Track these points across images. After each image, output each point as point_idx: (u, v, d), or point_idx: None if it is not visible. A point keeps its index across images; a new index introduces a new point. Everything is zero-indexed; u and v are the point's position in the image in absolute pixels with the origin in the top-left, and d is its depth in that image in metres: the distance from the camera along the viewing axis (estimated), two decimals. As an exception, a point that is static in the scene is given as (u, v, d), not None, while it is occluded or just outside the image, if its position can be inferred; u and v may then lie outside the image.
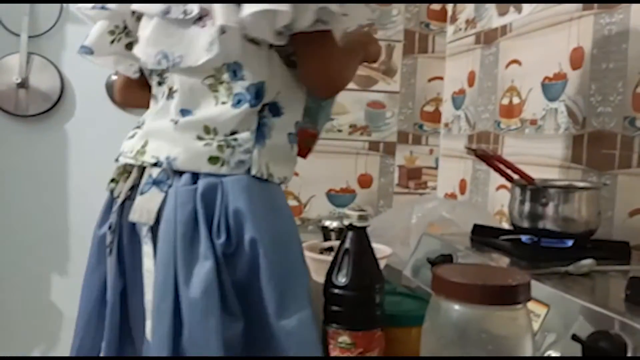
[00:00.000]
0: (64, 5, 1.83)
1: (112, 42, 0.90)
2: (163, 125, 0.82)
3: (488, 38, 1.78)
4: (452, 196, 1.98)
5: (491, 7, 1.77)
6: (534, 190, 1.08)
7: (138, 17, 0.88)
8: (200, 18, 0.78)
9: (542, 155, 1.48)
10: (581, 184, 1.15)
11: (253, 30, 0.77)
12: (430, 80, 2.11)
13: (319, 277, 1.07)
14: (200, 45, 0.78)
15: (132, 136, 0.87)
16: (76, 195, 1.90)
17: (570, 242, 1.07)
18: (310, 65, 0.83)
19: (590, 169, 1.30)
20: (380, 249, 1.43)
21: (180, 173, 0.79)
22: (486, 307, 0.55)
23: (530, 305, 0.81)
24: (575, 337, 0.68)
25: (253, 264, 0.76)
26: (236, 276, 0.76)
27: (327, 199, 2.07)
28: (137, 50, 0.85)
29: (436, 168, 2.13)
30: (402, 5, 2.07)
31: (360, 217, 0.76)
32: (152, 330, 0.76)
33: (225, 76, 0.80)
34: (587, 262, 0.91)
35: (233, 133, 0.80)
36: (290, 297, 0.75)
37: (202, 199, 0.76)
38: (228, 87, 0.80)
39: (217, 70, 0.80)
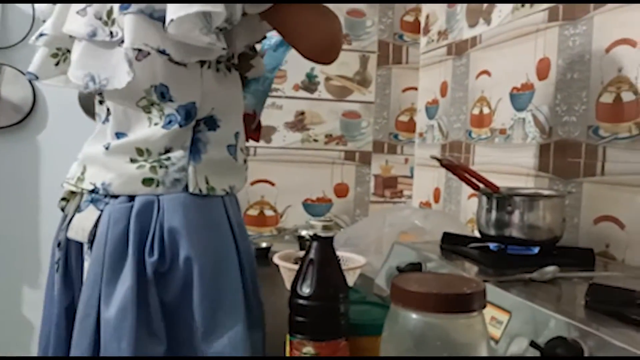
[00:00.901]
0: (35, 16, 1.82)
1: (57, 63, 0.90)
2: (98, 150, 0.82)
3: (459, 49, 1.81)
4: (427, 204, 2.00)
5: (462, 19, 1.80)
6: (499, 199, 1.09)
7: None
8: (124, 40, 0.77)
9: (511, 164, 1.50)
10: (546, 192, 1.17)
11: (184, 37, 0.75)
12: (404, 90, 2.14)
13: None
14: (124, 68, 0.77)
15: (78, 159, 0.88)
16: (48, 206, 1.87)
17: (536, 249, 1.09)
18: (296, 38, 0.84)
19: (556, 177, 1.32)
20: (354, 259, 1.44)
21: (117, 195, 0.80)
22: (442, 315, 0.55)
23: (494, 312, 0.83)
24: (533, 344, 0.69)
25: (186, 282, 0.76)
26: (167, 295, 0.76)
27: (304, 208, 2.07)
28: (69, 72, 0.84)
29: (411, 177, 2.15)
30: (376, 17, 2.10)
31: (325, 227, 0.76)
32: (73, 346, 0.76)
33: (155, 98, 0.80)
34: (551, 269, 0.93)
35: (167, 151, 0.80)
36: (222, 316, 0.76)
37: (137, 216, 0.76)
38: (160, 109, 0.80)
39: (147, 92, 0.80)
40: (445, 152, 1.88)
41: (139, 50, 0.78)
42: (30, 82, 1.83)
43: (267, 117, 1.99)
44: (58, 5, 0.87)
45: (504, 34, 1.56)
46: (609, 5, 1.18)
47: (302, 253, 1.49)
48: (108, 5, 0.80)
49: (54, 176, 1.88)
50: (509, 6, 1.54)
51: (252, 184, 2.02)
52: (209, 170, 0.81)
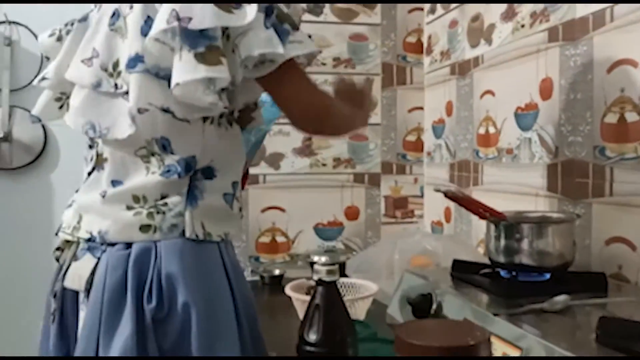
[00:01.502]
0: (44, 57, 1.85)
1: (61, 107, 0.92)
2: (93, 198, 0.83)
3: (462, 69, 1.82)
4: (439, 224, 1.99)
5: (463, 39, 1.81)
6: (507, 226, 1.09)
7: None
8: (127, 92, 0.79)
9: (520, 184, 1.49)
10: (555, 216, 1.17)
11: (188, 99, 0.76)
12: (410, 110, 2.14)
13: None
14: (127, 120, 0.79)
15: (71, 204, 0.88)
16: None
17: (547, 276, 1.08)
18: (283, 103, 0.85)
19: (565, 198, 1.31)
20: (366, 286, 1.44)
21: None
22: (447, 367, 0.56)
23: (505, 348, 0.82)
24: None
25: (184, 328, 0.77)
26: (165, 342, 0.77)
27: (315, 233, 2.08)
28: (67, 117, 0.86)
29: (422, 196, 2.14)
30: (378, 39, 2.11)
31: (329, 272, 0.77)
32: None
33: (156, 148, 0.81)
34: (562, 299, 0.92)
35: (163, 198, 0.81)
36: None
37: (134, 263, 0.77)
38: (160, 159, 0.81)
39: (147, 143, 0.81)
40: (454, 171, 1.88)
41: None
42: (40, 122, 1.86)
43: (274, 144, 2.00)
44: (63, 48, 0.89)
45: (505, 54, 1.56)
46: (608, 26, 1.18)
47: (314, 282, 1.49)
48: (115, 57, 0.81)
49: (67, 214, 1.92)
50: (509, 27, 1.54)
51: (263, 211, 2.03)
52: (205, 216, 0.82)
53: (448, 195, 1.10)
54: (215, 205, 0.84)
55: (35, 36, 1.85)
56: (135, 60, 0.77)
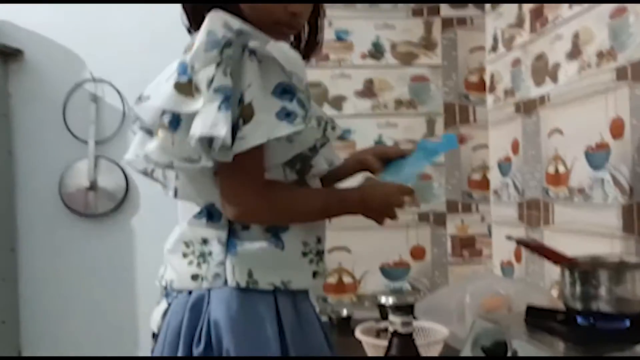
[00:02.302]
0: (126, 111, 2.00)
1: None
2: (166, 248, 0.94)
3: (527, 107, 1.81)
4: (509, 264, 1.96)
5: (527, 78, 1.80)
6: (583, 272, 1.07)
7: None
8: None
9: (594, 224, 1.46)
10: (633, 261, 1.13)
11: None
12: (475, 148, 2.14)
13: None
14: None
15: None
16: (144, 288, 2.00)
17: (627, 323, 1.05)
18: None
19: (643, 240, 1.27)
20: (437, 330, 1.44)
21: None
22: None
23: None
24: None
25: None
26: None
27: (382, 273, 2.09)
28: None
29: (490, 235, 2.11)
30: (440, 80, 2.13)
31: (405, 324, 0.79)
32: None
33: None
34: (644, 349, 0.89)
35: (205, 242, 0.87)
36: None
37: (190, 309, 0.84)
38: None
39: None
40: (523, 210, 1.85)
41: None
42: (123, 171, 1.99)
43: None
44: None
45: (572, 92, 1.55)
46: (680, 65, 1.16)
47: (384, 324, 1.50)
48: None
49: (149, 259, 2.02)
50: (574, 66, 1.53)
51: (329, 251, 2.06)
52: (251, 262, 0.85)
53: (520, 242, 1.10)
54: (258, 249, 0.85)
55: (119, 92, 2.00)
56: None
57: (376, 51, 2.13)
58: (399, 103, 2.12)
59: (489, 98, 2.11)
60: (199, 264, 0.86)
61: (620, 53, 1.35)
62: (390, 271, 2.09)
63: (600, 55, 1.43)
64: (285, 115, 0.78)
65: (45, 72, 1.98)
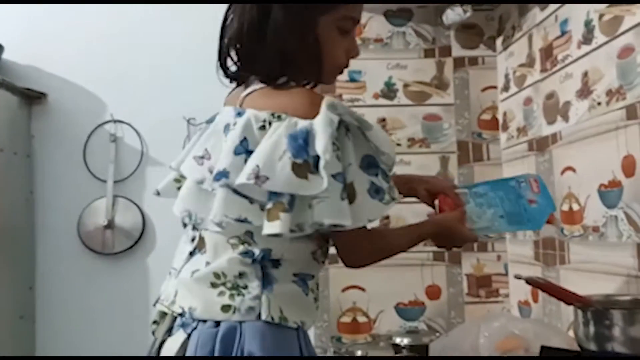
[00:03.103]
0: (144, 151, 2.05)
1: (179, 188, 1.02)
2: (187, 275, 0.92)
3: (540, 145, 1.81)
4: (526, 304, 1.93)
5: (540, 116, 1.81)
6: (595, 312, 1.06)
7: None
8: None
9: (610, 263, 1.44)
10: (648, 301, 1.11)
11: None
12: (489, 186, 2.13)
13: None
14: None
15: (169, 279, 0.98)
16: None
17: (643, 365, 1.03)
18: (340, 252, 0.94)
19: (659, 280, 1.25)
20: (451, 372, 1.41)
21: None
22: None
23: None
24: None
25: None
26: None
27: (396, 313, 2.06)
28: (175, 203, 0.98)
29: (506, 274, 2.08)
30: (452, 118, 2.15)
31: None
32: None
33: (252, 239, 0.89)
34: (660, 393, 0.87)
35: (241, 275, 0.88)
36: None
37: (221, 341, 0.84)
38: (247, 246, 0.89)
39: (243, 234, 0.89)
40: (539, 249, 1.83)
41: None
42: (140, 210, 2.03)
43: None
44: (190, 143, 1.01)
45: (583, 131, 1.55)
46: (689, 104, 1.16)
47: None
48: (221, 167, 0.89)
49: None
50: (585, 104, 1.54)
51: (344, 290, 2.05)
52: (281, 300, 0.88)
53: (530, 282, 1.09)
54: (289, 290, 0.90)
55: (137, 133, 2.06)
56: (221, 175, 0.86)
57: (389, 91, 2.16)
58: (412, 141, 2.14)
59: (502, 136, 2.12)
60: (232, 296, 0.87)
61: (629, 92, 1.36)
62: (406, 310, 2.06)
63: (610, 93, 1.43)
64: (375, 191, 0.86)
65: (67, 114, 2.06)
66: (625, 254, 1.37)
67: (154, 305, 0.98)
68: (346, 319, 2.05)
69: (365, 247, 0.93)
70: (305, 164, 0.82)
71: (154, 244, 2.05)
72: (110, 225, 2.00)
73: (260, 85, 0.94)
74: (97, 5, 2.08)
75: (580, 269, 1.58)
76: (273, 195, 0.83)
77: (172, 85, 2.03)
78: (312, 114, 0.85)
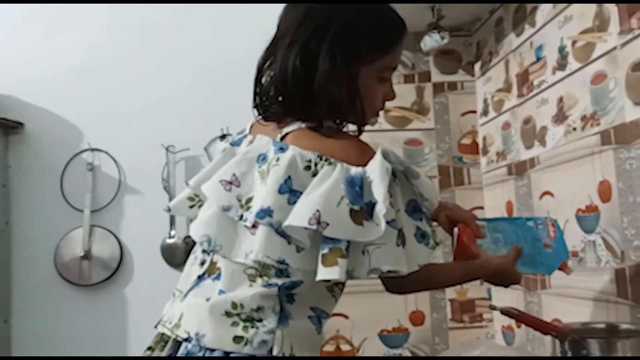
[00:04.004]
0: (122, 179, 2.03)
1: (191, 207, 1.01)
2: (199, 301, 0.89)
3: (519, 170, 1.82)
4: (509, 329, 1.91)
5: (518, 141, 1.82)
6: (572, 342, 1.04)
7: None
8: (253, 226, 0.86)
9: (589, 288, 1.43)
10: (624, 327, 1.10)
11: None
12: (471, 210, 2.12)
13: None
14: (242, 247, 0.87)
15: (174, 301, 0.95)
16: (136, 354, 1.97)
17: (622, 396, 1.01)
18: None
19: (637, 305, 1.24)
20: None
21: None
22: None
23: None
24: None
25: None
26: None
27: (380, 340, 2.03)
28: (192, 226, 0.94)
29: (489, 299, 2.07)
30: (433, 143, 2.16)
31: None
32: None
33: (272, 272, 0.86)
34: None
35: (259, 309, 0.86)
36: None
37: None
38: (266, 280, 0.87)
39: (259, 265, 0.86)
40: (520, 273, 1.82)
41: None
42: (117, 240, 2.00)
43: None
44: (211, 163, 0.98)
45: (560, 156, 1.56)
46: (660, 130, 1.17)
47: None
48: (250, 194, 0.89)
49: (142, 328, 1.99)
50: (561, 130, 1.55)
51: (327, 318, 2.02)
52: (295, 337, 0.87)
53: (504, 312, 1.08)
54: (304, 327, 0.89)
55: (115, 161, 2.04)
56: (265, 213, 0.84)
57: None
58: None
59: (483, 160, 2.13)
60: (245, 328, 0.85)
61: (602, 117, 1.37)
62: (389, 337, 2.04)
63: (585, 119, 1.44)
64: (421, 236, 0.88)
65: (44, 143, 2.04)
66: (605, 279, 1.37)
67: (155, 327, 0.95)
68: (329, 348, 2.01)
69: (414, 284, 0.95)
70: (361, 210, 0.82)
71: (131, 275, 2.02)
72: (87, 255, 1.96)
73: (301, 124, 0.92)
74: (73, 34, 2.08)
75: (562, 294, 1.57)
76: (329, 240, 0.81)
77: (151, 113, 2.02)
78: (362, 161, 0.85)
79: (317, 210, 0.80)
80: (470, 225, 1.16)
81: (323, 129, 0.90)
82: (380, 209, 0.82)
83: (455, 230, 1.16)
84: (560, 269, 1.09)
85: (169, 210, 1.04)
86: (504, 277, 1.10)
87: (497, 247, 1.12)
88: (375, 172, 0.84)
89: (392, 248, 0.83)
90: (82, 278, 1.97)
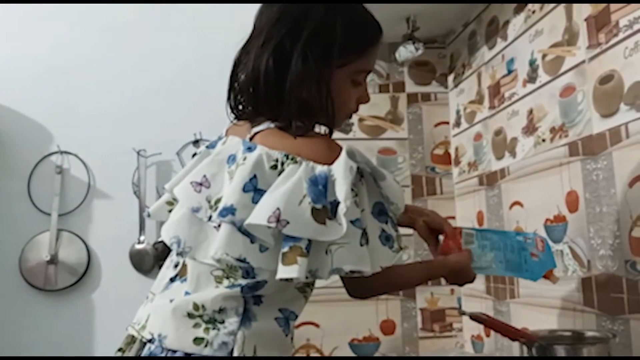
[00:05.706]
0: (91, 183, 1.99)
1: (170, 210, 0.99)
2: (164, 302, 0.89)
3: (490, 180, 1.84)
4: (478, 338, 1.92)
5: (489, 151, 1.85)
6: (540, 348, 1.06)
7: None
8: (219, 225, 0.85)
9: (557, 297, 1.45)
10: (590, 335, 1.12)
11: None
12: (442, 220, 2.14)
13: None
14: (210, 247, 0.85)
15: (146, 303, 0.95)
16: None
17: (587, 402, 1.03)
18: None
19: (602, 314, 1.27)
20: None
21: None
22: None
23: None
24: None
25: None
26: None
27: (351, 349, 2.03)
28: (163, 227, 0.94)
29: (460, 308, 2.09)
30: (407, 153, 2.17)
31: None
32: None
33: (238, 274, 0.85)
34: None
35: (221, 310, 0.85)
36: None
37: None
38: (232, 281, 0.86)
39: (229, 268, 0.85)
40: (490, 282, 1.84)
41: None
42: (85, 244, 1.96)
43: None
44: (187, 166, 0.97)
45: (529, 166, 1.59)
46: (625, 142, 1.20)
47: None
48: (219, 195, 0.87)
49: (108, 334, 1.95)
50: (530, 141, 1.58)
51: (297, 327, 2.00)
52: (259, 339, 0.85)
53: (474, 318, 1.09)
54: (270, 329, 0.87)
55: (85, 164, 2.01)
56: (228, 211, 0.83)
57: (344, 124, 2.16)
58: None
59: (455, 170, 2.15)
60: (207, 329, 0.84)
61: (570, 129, 1.40)
62: (360, 346, 2.03)
63: (553, 130, 1.47)
64: (386, 239, 0.87)
65: (12, 145, 1.99)
66: (572, 288, 1.39)
67: (127, 329, 0.94)
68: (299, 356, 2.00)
69: (376, 286, 0.94)
70: (324, 209, 0.81)
71: (99, 280, 1.97)
72: (53, 260, 1.92)
73: (270, 124, 0.92)
74: (43, 33, 2.04)
75: (530, 302, 1.59)
76: (290, 239, 0.80)
77: (122, 116, 1.99)
78: (329, 160, 0.84)
79: (278, 209, 0.79)
80: (449, 231, 1.16)
81: (292, 128, 0.89)
82: (342, 207, 0.81)
83: (441, 237, 1.17)
84: (546, 277, 1.10)
85: (149, 215, 1.02)
86: (459, 276, 1.10)
87: (483, 252, 1.13)
88: (339, 170, 0.83)
89: (356, 248, 0.81)
90: (48, 283, 1.92)
